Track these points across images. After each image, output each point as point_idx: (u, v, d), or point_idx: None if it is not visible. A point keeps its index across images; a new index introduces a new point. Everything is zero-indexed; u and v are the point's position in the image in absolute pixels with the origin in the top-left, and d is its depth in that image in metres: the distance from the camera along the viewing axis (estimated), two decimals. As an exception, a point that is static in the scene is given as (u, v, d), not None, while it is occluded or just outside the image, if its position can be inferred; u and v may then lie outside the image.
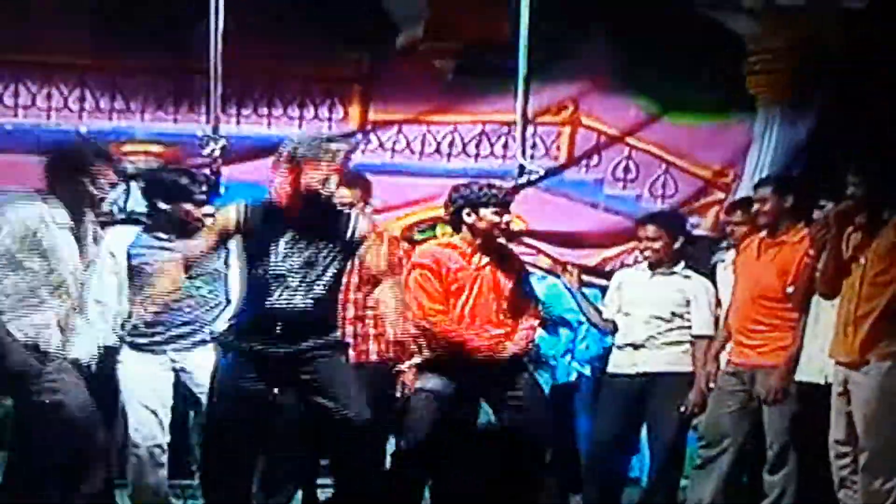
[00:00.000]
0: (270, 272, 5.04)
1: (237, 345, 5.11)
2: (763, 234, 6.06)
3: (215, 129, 6.22)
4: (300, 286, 5.04)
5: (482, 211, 5.77)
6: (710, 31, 6.81)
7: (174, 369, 5.67)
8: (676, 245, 6.39)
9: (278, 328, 5.05)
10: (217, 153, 6.20)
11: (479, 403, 6.12)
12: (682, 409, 6.26)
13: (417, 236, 6.65)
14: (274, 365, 5.09)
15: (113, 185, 5.18)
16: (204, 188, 5.68)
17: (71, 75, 6.36)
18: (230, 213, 5.11)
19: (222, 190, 6.18)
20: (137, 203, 6.08)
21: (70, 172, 5.01)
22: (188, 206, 5.60)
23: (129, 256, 5.62)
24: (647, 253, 6.41)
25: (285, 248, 5.05)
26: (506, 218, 5.83)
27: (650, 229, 6.41)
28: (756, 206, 6.09)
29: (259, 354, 5.08)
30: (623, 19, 6.74)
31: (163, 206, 5.63)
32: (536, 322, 6.01)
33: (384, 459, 5.97)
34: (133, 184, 6.08)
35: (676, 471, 6.49)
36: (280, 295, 5.03)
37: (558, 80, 6.81)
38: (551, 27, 6.62)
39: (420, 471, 5.41)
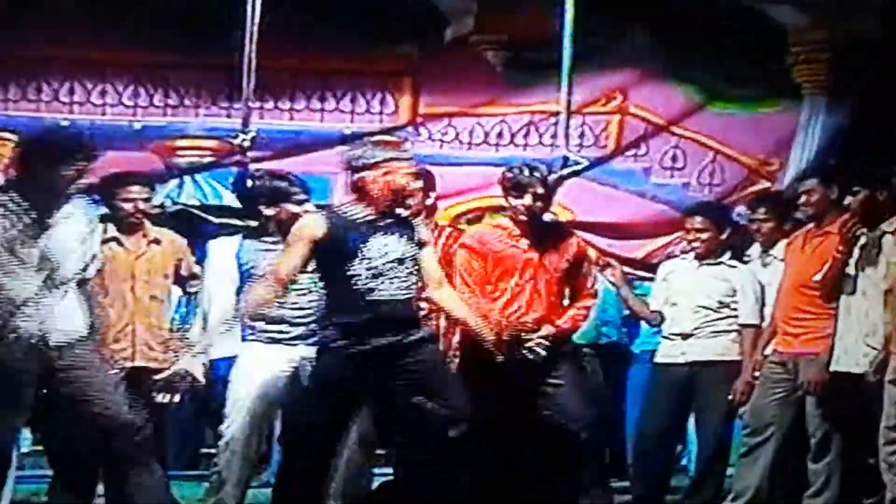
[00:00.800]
0: (369, 270, 5.19)
1: (341, 341, 5.22)
2: (810, 225, 6.03)
3: (246, 122, 6.21)
4: (396, 279, 5.22)
5: (526, 195, 5.77)
6: (756, 21, 6.76)
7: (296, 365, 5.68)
8: (723, 236, 6.39)
9: (382, 320, 5.20)
10: (247, 143, 6.19)
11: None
12: (729, 397, 6.27)
13: (464, 226, 6.59)
14: (377, 357, 5.20)
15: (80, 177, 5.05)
16: (302, 188, 5.71)
17: (125, 72, 6.38)
18: (316, 223, 5.24)
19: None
20: (190, 197, 6.15)
21: (48, 161, 4.90)
22: (290, 207, 5.63)
23: (240, 265, 5.65)
24: (694, 244, 6.38)
25: (378, 247, 5.22)
26: (524, 200, 5.75)
27: (697, 220, 6.39)
28: (803, 198, 6.06)
29: (362, 349, 5.19)
30: (669, 9, 6.67)
31: (267, 211, 5.66)
32: (590, 303, 5.96)
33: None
34: (187, 178, 6.14)
35: (723, 460, 6.48)
36: (383, 289, 5.19)
37: (606, 71, 6.78)
38: (597, 18, 6.56)
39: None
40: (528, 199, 5.77)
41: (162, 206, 6.30)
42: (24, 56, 6.33)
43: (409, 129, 6.64)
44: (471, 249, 5.85)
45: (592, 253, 6.35)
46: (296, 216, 5.64)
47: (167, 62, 6.41)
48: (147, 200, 5.98)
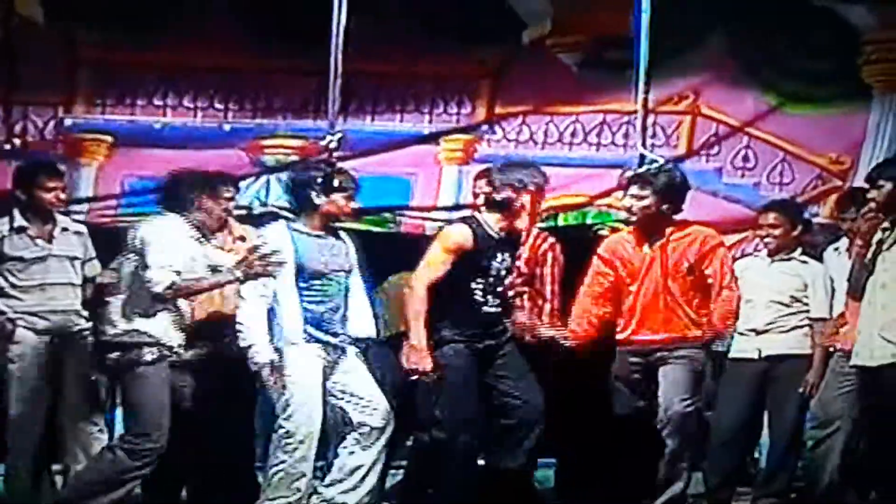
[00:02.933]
0: (487, 286, 5.49)
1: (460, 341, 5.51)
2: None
3: (332, 123, 6.16)
4: (499, 294, 5.54)
5: (646, 196, 5.76)
6: (828, 22, 6.67)
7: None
8: (795, 232, 6.27)
9: (487, 328, 5.54)
10: (334, 145, 6.13)
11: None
12: (800, 390, 6.18)
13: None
14: (485, 356, 5.55)
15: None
16: (355, 185, 5.63)
17: (216, 76, 6.39)
18: (466, 233, 5.41)
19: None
20: (277, 198, 6.17)
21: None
22: (340, 201, 5.55)
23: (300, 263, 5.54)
24: (767, 240, 6.26)
25: (497, 264, 5.49)
26: (649, 200, 5.75)
27: (771, 216, 6.28)
28: (872, 194, 5.96)
29: (475, 348, 5.52)
30: (742, 11, 6.60)
31: (318, 200, 5.55)
32: (728, 295, 5.88)
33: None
34: (273, 179, 6.17)
35: (796, 453, 6.38)
36: (492, 303, 5.54)
37: (679, 72, 6.69)
38: (672, 21, 6.44)
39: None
40: (649, 200, 5.76)
41: (249, 206, 6.29)
42: (121, 62, 6.36)
43: (485, 127, 6.58)
44: (603, 260, 5.92)
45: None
46: (341, 210, 5.59)
47: (256, 67, 6.42)
48: (231, 199, 5.90)
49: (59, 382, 5.84)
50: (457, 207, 6.55)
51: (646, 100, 6.39)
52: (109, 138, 6.22)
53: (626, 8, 6.38)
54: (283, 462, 5.49)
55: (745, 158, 6.84)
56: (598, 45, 6.66)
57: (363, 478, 5.54)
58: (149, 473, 5.43)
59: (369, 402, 5.55)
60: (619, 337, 5.97)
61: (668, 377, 5.84)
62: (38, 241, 5.78)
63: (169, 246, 5.31)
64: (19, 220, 5.84)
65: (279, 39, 6.28)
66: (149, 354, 5.35)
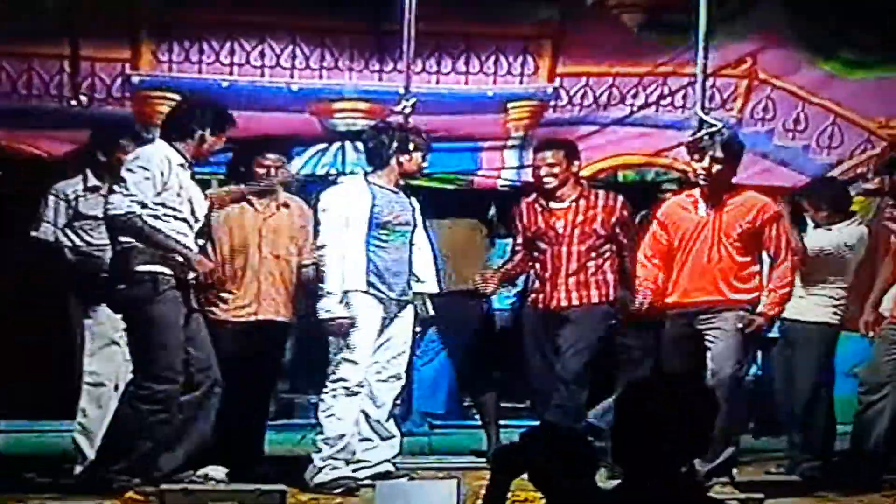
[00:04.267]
0: None
1: None
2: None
3: (407, 87, 6.13)
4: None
5: (705, 158, 5.85)
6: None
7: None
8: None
9: None
10: (408, 110, 6.11)
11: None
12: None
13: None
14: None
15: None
16: (427, 144, 5.92)
17: (283, 34, 6.28)
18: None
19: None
20: (352, 164, 6.24)
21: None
22: (418, 158, 5.91)
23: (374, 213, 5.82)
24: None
25: None
26: (707, 163, 5.84)
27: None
28: None
29: None
30: None
31: (402, 158, 5.85)
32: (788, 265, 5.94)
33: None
34: (347, 143, 6.14)
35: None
36: None
37: (735, 37, 6.62)
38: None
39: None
40: (706, 162, 5.82)
41: (327, 174, 6.36)
42: (187, 19, 6.27)
43: (549, 91, 6.53)
44: (659, 223, 6.04)
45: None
46: (417, 168, 5.92)
47: (323, 26, 6.31)
48: (280, 167, 6.03)
49: None
50: (521, 167, 6.64)
51: (705, 63, 6.31)
52: (177, 96, 6.10)
53: None
54: (331, 407, 5.80)
55: (797, 121, 6.80)
56: (658, 7, 6.58)
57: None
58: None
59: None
60: (668, 300, 6.03)
61: (717, 341, 5.88)
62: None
63: (146, 175, 5.36)
64: (92, 180, 5.91)
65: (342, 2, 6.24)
66: (161, 286, 5.36)
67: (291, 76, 6.27)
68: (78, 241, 5.91)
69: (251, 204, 6.02)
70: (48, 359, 6.54)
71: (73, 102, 6.02)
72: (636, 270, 6.07)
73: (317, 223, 5.96)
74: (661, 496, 3.09)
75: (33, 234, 5.95)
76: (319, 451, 5.84)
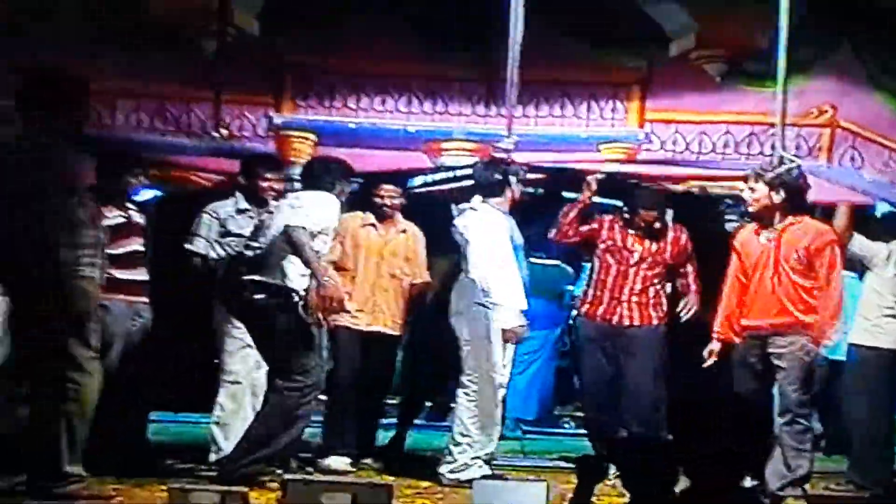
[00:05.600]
0: None
1: None
2: None
3: (509, 129, 6.62)
4: None
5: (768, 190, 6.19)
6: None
7: None
8: None
9: None
10: (510, 147, 6.62)
11: None
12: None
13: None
14: None
15: None
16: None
17: (401, 84, 6.90)
18: None
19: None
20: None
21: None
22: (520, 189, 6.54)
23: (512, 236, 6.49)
24: None
25: None
26: (775, 196, 6.17)
27: None
28: None
29: None
30: (873, 24, 6.88)
31: (515, 188, 6.47)
32: (835, 294, 6.18)
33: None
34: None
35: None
36: None
37: (816, 82, 6.93)
38: (809, 34, 6.78)
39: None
40: (765, 194, 6.18)
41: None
42: (320, 71, 6.91)
43: (641, 136, 6.95)
44: (735, 250, 6.41)
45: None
46: (522, 196, 6.50)
47: (436, 75, 6.90)
48: (397, 197, 6.75)
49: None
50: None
51: (784, 110, 6.61)
52: (313, 136, 6.79)
53: (764, 24, 6.66)
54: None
55: (886, 164, 7.06)
56: (738, 57, 6.93)
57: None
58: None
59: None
60: (743, 322, 6.35)
61: (786, 370, 6.18)
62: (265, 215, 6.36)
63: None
64: (243, 203, 6.54)
65: (455, 50, 6.76)
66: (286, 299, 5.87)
67: (408, 120, 6.87)
68: (225, 256, 6.46)
69: (375, 227, 6.78)
70: (192, 358, 7.09)
71: (215, 134, 6.64)
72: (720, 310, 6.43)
73: (447, 243, 6.57)
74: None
75: (187, 246, 6.49)
76: (463, 449, 6.38)
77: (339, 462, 6.60)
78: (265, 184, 6.51)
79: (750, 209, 6.32)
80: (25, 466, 5.25)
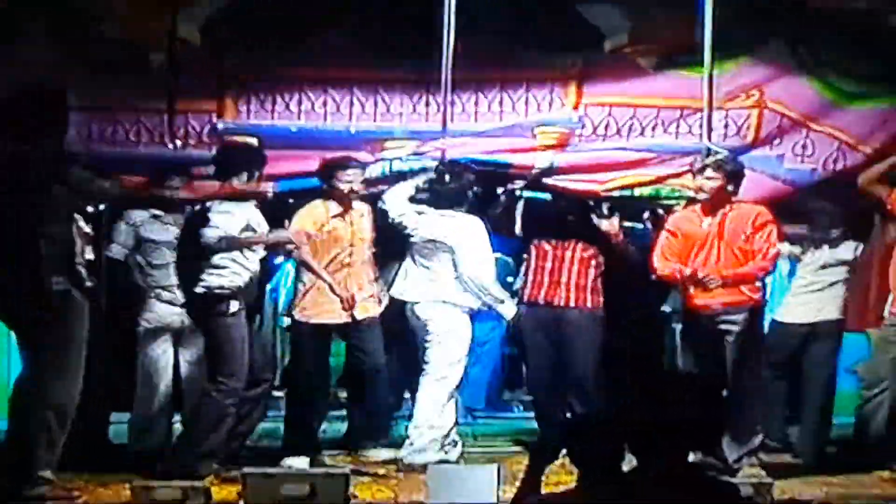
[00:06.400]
0: None
1: None
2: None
3: (444, 125, 6.88)
4: None
5: (698, 176, 6.49)
6: (878, 26, 7.13)
7: None
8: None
9: None
10: (443, 148, 6.96)
11: None
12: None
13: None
14: None
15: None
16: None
17: (342, 85, 7.02)
18: None
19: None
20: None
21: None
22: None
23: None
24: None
25: None
26: (719, 182, 6.46)
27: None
28: None
29: None
30: (800, 19, 7.07)
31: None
32: (762, 264, 6.50)
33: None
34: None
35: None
36: None
37: (745, 70, 7.13)
38: (732, 31, 6.98)
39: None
40: (712, 183, 6.45)
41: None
42: (263, 75, 7.04)
43: (574, 120, 7.08)
44: (669, 231, 6.64)
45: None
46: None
47: (376, 77, 7.04)
48: (359, 180, 6.78)
49: None
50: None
51: (710, 99, 6.88)
52: (255, 140, 6.90)
53: (692, 21, 6.89)
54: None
55: (804, 147, 7.25)
56: (670, 52, 7.13)
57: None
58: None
59: None
60: (685, 303, 6.65)
61: (735, 341, 6.41)
62: (170, 228, 6.66)
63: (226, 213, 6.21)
64: (156, 210, 6.78)
65: (393, 56, 6.93)
66: (233, 306, 6.14)
67: (349, 120, 7.01)
68: (142, 261, 6.77)
69: (342, 218, 6.84)
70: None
71: (170, 146, 6.81)
72: (658, 270, 6.69)
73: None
74: (667, 482, 3.37)
75: (105, 253, 6.72)
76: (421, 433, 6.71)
77: (298, 462, 6.71)
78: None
79: (699, 196, 6.57)
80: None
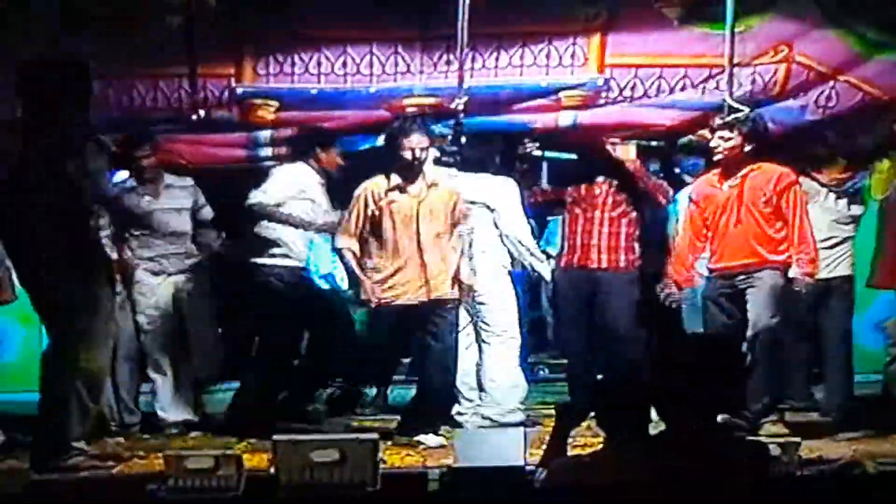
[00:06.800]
0: None
1: None
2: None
3: (460, 84, 6.75)
4: None
5: (714, 135, 6.40)
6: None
7: None
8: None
9: None
10: (461, 106, 6.80)
11: None
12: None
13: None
14: None
15: None
16: None
17: (362, 45, 6.89)
18: None
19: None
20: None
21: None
22: None
23: None
24: None
25: None
26: (734, 142, 6.37)
27: None
28: None
29: None
30: None
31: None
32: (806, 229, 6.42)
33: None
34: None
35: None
36: None
37: (772, 26, 6.99)
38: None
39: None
40: (733, 142, 6.37)
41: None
42: (281, 36, 6.91)
43: (601, 82, 6.98)
44: (692, 201, 6.63)
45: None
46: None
47: (395, 36, 6.91)
48: (425, 149, 6.40)
49: None
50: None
51: (731, 55, 6.78)
52: (275, 103, 6.83)
53: None
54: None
55: (828, 98, 7.13)
56: (696, 2, 6.98)
57: None
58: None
59: None
60: (708, 266, 6.61)
61: (755, 297, 6.40)
62: (146, 197, 6.65)
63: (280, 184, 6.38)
64: (130, 182, 6.82)
65: (410, 13, 6.82)
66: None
67: (370, 80, 6.89)
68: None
69: (403, 191, 6.46)
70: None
71: (193, 117, 6.76)
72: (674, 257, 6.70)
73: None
74: (697, 443, 3.38)
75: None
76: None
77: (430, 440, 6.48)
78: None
79: (715, 157, 6.47)
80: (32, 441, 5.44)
